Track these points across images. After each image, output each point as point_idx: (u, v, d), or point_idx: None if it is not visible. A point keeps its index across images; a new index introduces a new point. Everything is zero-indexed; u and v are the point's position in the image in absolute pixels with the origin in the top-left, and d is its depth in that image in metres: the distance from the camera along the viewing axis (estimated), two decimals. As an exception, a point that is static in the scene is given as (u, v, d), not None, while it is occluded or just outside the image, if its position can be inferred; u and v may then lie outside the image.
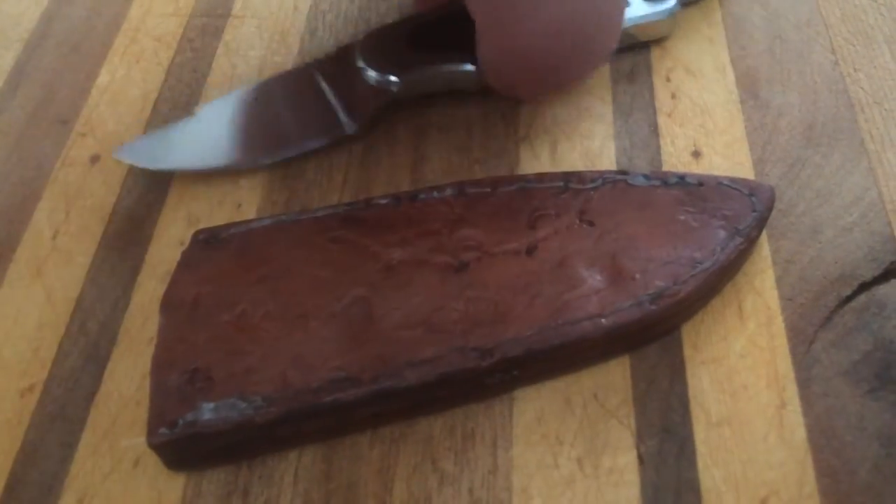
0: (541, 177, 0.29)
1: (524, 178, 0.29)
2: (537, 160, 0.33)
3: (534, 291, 0.26)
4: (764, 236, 0.29)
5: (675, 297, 0.26)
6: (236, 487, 0.25)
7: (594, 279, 0.26)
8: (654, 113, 0.34)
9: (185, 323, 0.26)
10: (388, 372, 0.24)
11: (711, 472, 0.25)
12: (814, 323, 0.27)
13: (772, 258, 0.29)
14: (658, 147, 0.33)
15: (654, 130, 0.33)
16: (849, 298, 0.28)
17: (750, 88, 0.34)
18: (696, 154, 0.32)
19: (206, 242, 0.28)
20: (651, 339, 0.27)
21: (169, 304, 0.26)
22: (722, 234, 0.27)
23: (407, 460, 0.26)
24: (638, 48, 0.36)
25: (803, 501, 0.24)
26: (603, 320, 0.25)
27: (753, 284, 0.28)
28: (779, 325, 0.28)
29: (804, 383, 0.26)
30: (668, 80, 0.35)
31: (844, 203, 0.30)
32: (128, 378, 0.28)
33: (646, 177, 0.29)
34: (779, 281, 0.28)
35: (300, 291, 0.26)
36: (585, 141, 0.33)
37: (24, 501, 0.26)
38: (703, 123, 0.33)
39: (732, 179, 0.29)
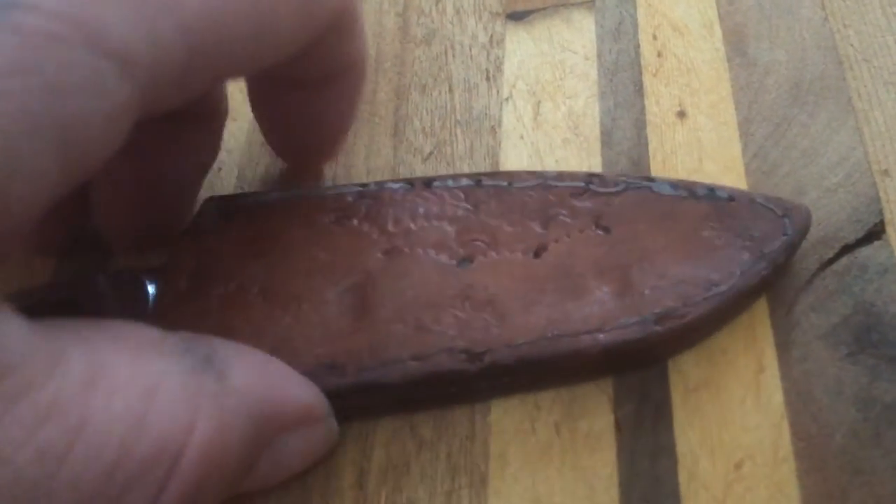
0: (561, 175, 0.28)
1: (543, 174, 0.28)
2: (520, 122, 0.32)
3: (534, 297, 0.25)
4: (747, 198, 0.29)
5: (682, 320, 0.24)
6: (216, 455, 0.26)
7: (601, 291, 0.25)
8: (640, 72, 0.33)
9: (178, 294, 0.25)
10: (375, 365, 0.24)
11: (688, 435, 0.25)
12: (794, 286, 0.27)
13: (754, 220, 0.29)
14: (643, 107, 0.32)
15: (639, 90, 0.33)
16: (830, 261, 0.28)
17: (737, 45, 0.33)
18: (681, 114, 0.32)
19: (214, 212, 0.27)
20: (641, 365, 0.25)
21: (165, 273, 0.26)
22: (746, 256, 0.25)
23: (386, 426, 0.26)
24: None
25: (778, 465, 0.24)
26: (601, 335, 0.24)
27: (735, 247, 0.28)
28: (759, 288, 0.27)
29: (783, 347, 0.26)
30: (655, 37, 0.34)
31: (830, 163, 0.30)
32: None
33: (673, 185, 0.27)
34: (760, 244, 0.28)
35: (297, 272, 0.25)
36: (569, 101, 0.33)
37: None
38: (688, 82, 0.33)
39: (766, 198, 0.27)
